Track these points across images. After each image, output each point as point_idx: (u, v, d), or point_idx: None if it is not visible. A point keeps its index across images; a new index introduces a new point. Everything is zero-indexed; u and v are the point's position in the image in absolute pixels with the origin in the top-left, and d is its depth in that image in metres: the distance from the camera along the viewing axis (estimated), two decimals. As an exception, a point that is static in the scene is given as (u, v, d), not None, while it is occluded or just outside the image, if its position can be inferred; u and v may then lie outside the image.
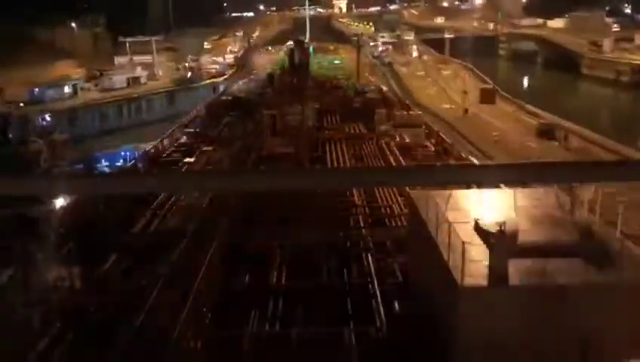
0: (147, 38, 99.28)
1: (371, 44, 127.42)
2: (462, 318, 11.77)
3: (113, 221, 22.13)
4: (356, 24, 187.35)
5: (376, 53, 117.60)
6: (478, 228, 12.73)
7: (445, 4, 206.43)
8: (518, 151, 46.58)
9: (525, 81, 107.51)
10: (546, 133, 50.71)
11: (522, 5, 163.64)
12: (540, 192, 15.67)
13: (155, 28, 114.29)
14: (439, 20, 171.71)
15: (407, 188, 17.89)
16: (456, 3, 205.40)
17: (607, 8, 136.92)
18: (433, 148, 37.69)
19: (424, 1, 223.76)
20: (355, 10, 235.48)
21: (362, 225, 23.56)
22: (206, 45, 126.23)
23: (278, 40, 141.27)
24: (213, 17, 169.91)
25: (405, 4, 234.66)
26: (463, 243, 11.53)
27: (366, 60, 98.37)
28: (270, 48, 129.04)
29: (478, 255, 11.89)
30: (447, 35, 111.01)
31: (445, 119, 59.94)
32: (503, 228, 11.72)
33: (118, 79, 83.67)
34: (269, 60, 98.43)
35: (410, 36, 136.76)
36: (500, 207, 14.44)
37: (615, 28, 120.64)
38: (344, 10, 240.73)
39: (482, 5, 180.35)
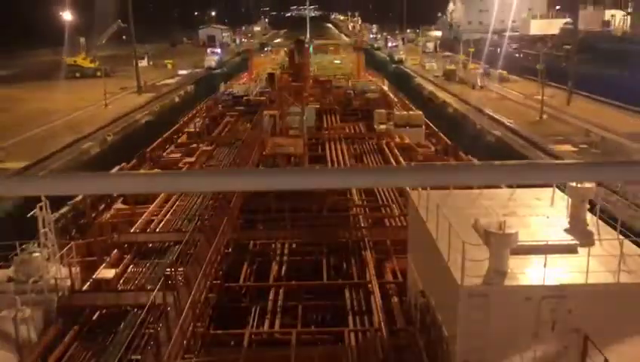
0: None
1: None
2: (462, 318, 11.77)
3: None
4: None
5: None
6: (478, 228, 12.71)
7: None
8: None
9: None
10: None
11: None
12: (541, 192, 15.67)
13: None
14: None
15: (407, 188, 17.87)
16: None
17: None
18: (433, 148, 37.67)
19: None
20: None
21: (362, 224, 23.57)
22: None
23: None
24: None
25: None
26: (463, 243, 11.53)
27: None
28: (270, 48, 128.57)
29: (478, 255, 11.88)
30: None
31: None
32: (502, 227, 11.71)
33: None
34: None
35: None
36: (500, 206, 14.44)
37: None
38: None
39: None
